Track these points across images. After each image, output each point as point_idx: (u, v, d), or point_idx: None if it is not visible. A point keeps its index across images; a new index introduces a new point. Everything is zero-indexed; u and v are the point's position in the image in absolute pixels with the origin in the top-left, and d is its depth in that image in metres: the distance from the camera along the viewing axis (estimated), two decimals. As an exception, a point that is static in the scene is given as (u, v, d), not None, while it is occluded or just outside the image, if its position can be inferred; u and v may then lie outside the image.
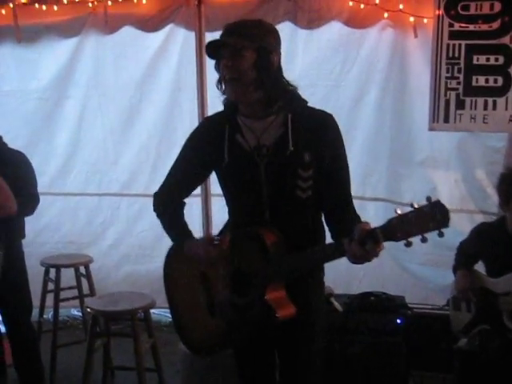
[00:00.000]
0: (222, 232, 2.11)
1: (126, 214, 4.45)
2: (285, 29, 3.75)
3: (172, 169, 2.12)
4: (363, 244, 1.63)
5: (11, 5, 4.01)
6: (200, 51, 3.66)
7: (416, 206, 1.57)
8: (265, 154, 1.89)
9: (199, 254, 1.96)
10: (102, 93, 4.30)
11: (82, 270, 3.87)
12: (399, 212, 1.60)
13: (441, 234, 1.55)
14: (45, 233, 4.43)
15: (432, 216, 1.53)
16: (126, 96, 4.27)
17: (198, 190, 3.71)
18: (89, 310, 3.11)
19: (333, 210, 1.95)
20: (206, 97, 3.68)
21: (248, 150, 1.91)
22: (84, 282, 3.90)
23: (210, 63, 3.78)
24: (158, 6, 3.88)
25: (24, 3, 4.04)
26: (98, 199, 4.46)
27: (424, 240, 1.56)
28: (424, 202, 1.56)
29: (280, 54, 1.94)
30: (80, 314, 4.20)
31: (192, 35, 3.81)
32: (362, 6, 3.50)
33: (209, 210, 3.74)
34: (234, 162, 1.93)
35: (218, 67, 1.92)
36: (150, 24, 3.92)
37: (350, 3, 3.51)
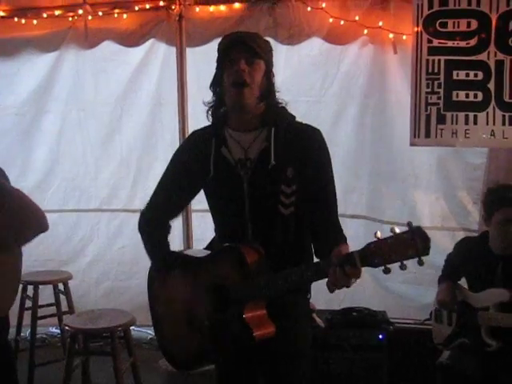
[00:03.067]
0: (209, 246, 2.09)
1: (105, 230, 4.39)
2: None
3: (158, 187, 2.09)
4: (342, 267, 1.59)
5: (-9, 19, 3.99)
6: (181, 66, 3.68)
7: (396, 231, 1.51)
8: (248, 167, 1.87)
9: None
10: (81, 108, 4.26)
11: (61, 286, 3.81)
12: (379, 236, 1.54)
13: (421, 262, 1.51)
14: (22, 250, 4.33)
15: (412, 243, 1.49)
16: (106, 111, 4.24)
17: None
18: (67, 327, 3.05)
19: (316, 228, 1.90)
20: (186, 111, 3.68)
21: (232, 163, 1.89)
22: (63, 299, 3.83)
23: (190, 78, 3.84)
24: (138, 21, 3.89)
25: (2, 16, 4.02)
26: (77, 215, 4.40)
27: (403, 267, 1.51)
28: (404, 228, 1.50)
29: None
30: (58, 331, 4.12)
31: (172, 50, 3.82)
32: (342, 22, 3.55)
33: (189, 224, 3.72)
34: (218, 175, 1.90)
35: (221, 69, 1.86)
36: (130, 39, 3.93)
37: (331, 19, 3.55)
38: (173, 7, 3.79)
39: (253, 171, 1.87)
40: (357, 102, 3.78)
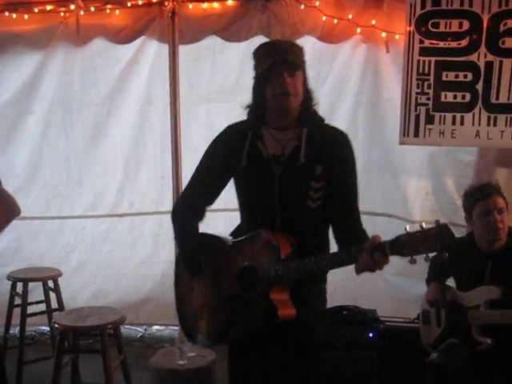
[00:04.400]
0: (233, 234, 2.19)
1: (91, 236, 4.31)
2: (258, 42, 3.77)
3: (193, 177, 2.21)
4: (371, 254, 1.76)
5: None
6: (174, 64, 3.64)
7: (424, 227, 1.70)
8: (281, 162, 2.02)
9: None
10: (67, 108, 4.14)
11: (51, 284, 3.79)
12: (408, 230, 1.73)
13: (427, 258, 1.73)
14: (4, 256, 4.19)
15: (440, 237, 1.68)
16: (92, 112, 4.14)
17: (169, 207, 3.64)
18: (57, 325, 3.04)
19: (338, 221, 2.07)
20: (178, 111, 3.65)
21: (266, 157, 2.04)
22: (53, 297, 3.81)
23: (181, 77, 3.81)
24: (131, 18, 3.85)
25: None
26: (61, 222, 4.30)
27: (427, 259, 1.73)
28: (431, 225, 1.70)
29: None
30: (48, 329, 4.10)
31: (164, 48, 3.79)
32: (336, 21, 3.55)
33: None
34: (250, 166, 2.05)
35: (267, 76, 1.98)
36: (121, 36, 3.89)
37: (324, 18, 3.55)
38: (166, 4, 3.75)
39: (284, 166, 2.02)
40: (349, 100, 3.80)
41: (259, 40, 3.75)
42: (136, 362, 3.56)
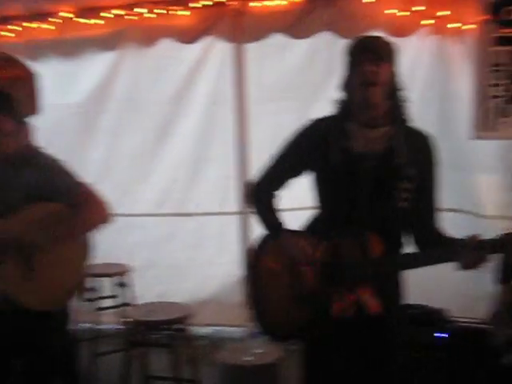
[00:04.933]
0: (309, 228, 2.19)
1: (157, 234, 4.38)
2: (324, 38, 3.75)
3: (273, 162, 2.21)
4: (474, 252, 1.82)
5: (55, 20, 4.12)
6: (240, 63, 3.64)
7: None
8: (370, 161, 2.00)
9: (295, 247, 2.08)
10: (138, 107, 4.26)
11: (120, 279, 3.88)
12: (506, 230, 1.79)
13: None
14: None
15: None
16: (161, 110, 4.22)
17: (234, 208, 3.64)
18: (127, 319, 3.11)
19: (423, 224, 2.08)
20: (246, 108, 3.64)
21: (354, 155, 2.01)
22: (123, 291, 3.90)
23: (248, 74, 3.82)
24: (196, 18, 3.92)
25: (66, 17, 4.13)
26: (129, 219, 4.32)
27: None
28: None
29: None
30: (118, 323, 4.21)
31: (230, 47, 3.82)
32: (404, 13, 3.47)
33: (247, 226, 3.66)
34: (338, 164, 2.02)
35: (352, 68, 1.99)
36: (188, 36, 3.96)
37: (391, 11, 3.49)
38: (231, 3, 3.80)
39: (376, 166, 2.00)
40: (418, 94, 3.68)
41: (325, 36, 3.74)
42: (202, 357, 3.59)
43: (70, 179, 2.41)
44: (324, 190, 2.13)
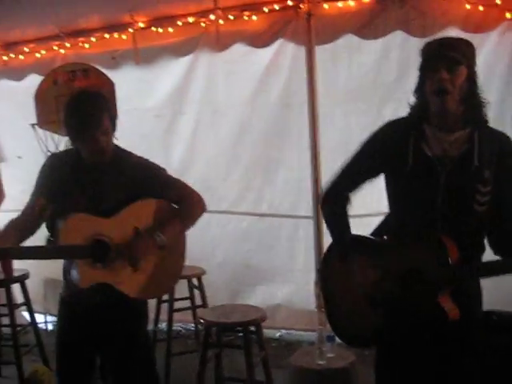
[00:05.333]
0: (380, 232, 2.19)
1: (234, 232, 4.44)
2: (396, 38, 3.68)
3: (346, 167, 2.20)
4: None
5: (131, 30, 4.28)
6: (310, 65, 3.64)
7: None
8: (448, 165, 1.97)
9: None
10: (214, 109, 4.37)
11: (195, 281, 3.96)
12: None
13: None
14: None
15: None
16: (236, 112, 4.31)
17: (306, 211, 3.64)
18: (202, 320, 3.17)
19: (504, 229, 2.00)
20: (317, 111, 3.64)
21: (432, 159, 1.99)
22: (196, 293, 3.99)
23: (319, 78, 3.82)
24: (267, 22, 3.96)
25: (142, 28, 4.29)
26: (209, 216, 4.50)
27: None
28: None
29: None
30: (192, 324, 4.30)
31: (301, 49, 3.82)
32: (481, 8, 3.33)
33: (321, 227, 3.64)
34: (416, 168, 2.01)
35: (426, 74, 1.97)
36: (259, 40, 4.01)
37: (468, 6, 3.36)
38: (301, 6, 3.80)
39: (452, 169, 1.97)
40: (496, 91, 3.54)
41: (397, 36, 3.66)
42: (275, 360, 3.60)
43: (167, 175, 2.50)
44: (398, 193, 2.11)
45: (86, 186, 2.33)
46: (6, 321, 3.96)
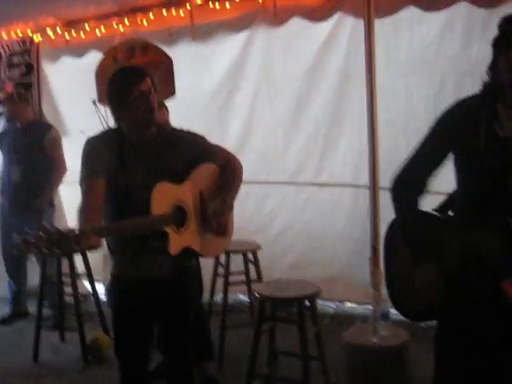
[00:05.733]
0: (444, 206, 2.17)
1: (293, 203, 4.48)
2: (460, 9, 3.55)
3: (418, 150, 2.14)
4: None
5: (188, 6, 4.29)
6: (369, 38, 3.55)
7: None
8: None
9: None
10: (271, 84, 4.38)
11: (250, 256, 4.00)
12: None
13: None
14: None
15: None
16: (294, 86, 4.30)
17: (366, 181, 3.64)
18: (257, 294, 3.20)
19: None
20: (374, 85, 3.57)
21: (501, 139, 1.94)
22: (251, 268, 4.02)
23: (378, 51, 3.75)
24: (326, -5, 3.89)
25: (199, 4, 4.29)
26: (267, 187, 4.55)
27: None
28: None
29: None
30: (246, 298, 4.36)
31: (360, 22, 3.74)
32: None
33: (377, 203, 3.60)
34: (488, 148, 1.95)
35: (500, 49, 1.91)
36: (317, 14, 3.96)
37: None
38: (362, -22, 3.71)
39: None
40: None
41: (461, 7, 3.53)
42: (328, 335, 3.60)
43: (209, 142, 2.56)
44: (467, 173, 2.05)
45: (140, 160, 2.35)
46: (68, 290, 4.11)
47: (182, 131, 2.52)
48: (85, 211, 2.22)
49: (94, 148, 2.35)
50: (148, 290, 2.39)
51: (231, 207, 2.54)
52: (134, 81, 2.29)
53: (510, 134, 1.92)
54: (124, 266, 2.42)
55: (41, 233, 1.87)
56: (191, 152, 2.44)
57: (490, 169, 1.94)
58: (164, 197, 2.29)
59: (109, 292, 2.72)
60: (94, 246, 2.13)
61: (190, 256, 2.45)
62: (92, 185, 2.28)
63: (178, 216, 2.34)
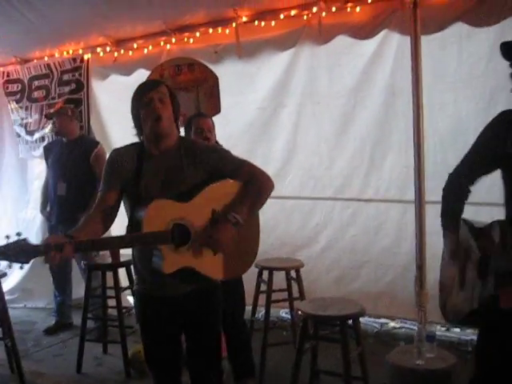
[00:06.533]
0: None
1: (339, 218, 4.47)
2: (510, 24, 3.48)
3: (466, 158, 2.24)
4: None
5: (234, 24, 4.35)
6: (416, 55, 3.52)
7: None
8: None
9: None
10: (315, 101, 4.40)
11: (293, 273, 3.97)
12: None
13: None
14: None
15: None
16: (339, 103, 4.32)
17: (413, 196, 3.59)
18: (300, 312, 3.17)
19: None
20: (421, 100, 3.54)
21: None
22: (294, 285, 4.00)
23: (425, 67, 3.72)
24: (371, 13, 3.89)
25: (245, 22, 4.35)
26: (313, 203, 4.55)
27: None
28: None
29: None
30: (288, 316, 4.32)
31: (406, 39, 3.71)
32: None
33: (422, 217, 3.55)
34: None
35: None
36: (363, 31, 3.94)
37: None
38: (407, -5, 3.69)
39: None
40: None
41: (510, 23, 3.45)
42: (371, 356, 3.54)
43: (235, 156, 2.49)
44: (508, 184, 2.07)
45: (157, 172, 2.35)
46: (112, 303, 4.17)
47: (204, 144, 2.51)
48: (81, 222, 2.35)
49: (113, 160, 2.43)
50: (169, 306, 2.40)
51: (236, 223, 2.31)
52: (147, 89, 2.35)
53: None
54: (144, 283, 2.44)
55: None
56: (213, 166, 2.39)
57: None
58: (160, 214, 2.24)
59: (134, 306, 2.72)
60: (65, 260, 2.18)
61: (197, 276, 2.33)
62: (102, 197, 2.40)
63: (178, 234, 2.26)
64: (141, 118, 2.37)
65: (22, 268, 2.16)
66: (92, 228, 2.32)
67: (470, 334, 3.98)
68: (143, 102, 2.33)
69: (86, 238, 2.21)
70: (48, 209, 4.87)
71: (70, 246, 2.11)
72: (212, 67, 4.36)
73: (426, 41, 3.65)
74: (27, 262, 2.13)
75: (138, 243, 2.29)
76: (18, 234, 2.13)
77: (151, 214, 2.22)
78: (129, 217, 2.38)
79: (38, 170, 5.55)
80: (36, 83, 5.57)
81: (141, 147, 2.42)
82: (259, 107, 4.57)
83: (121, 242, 2.29)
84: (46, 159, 4.91)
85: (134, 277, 2.54)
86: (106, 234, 2.43)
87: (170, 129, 2.37)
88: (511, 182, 2.07)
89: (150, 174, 2.36)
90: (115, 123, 5.26)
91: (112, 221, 2.41)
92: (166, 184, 2.34)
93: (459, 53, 3.80)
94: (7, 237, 2.11)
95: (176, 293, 2.38)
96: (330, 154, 4.45)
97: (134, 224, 2.30)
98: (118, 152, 2.47)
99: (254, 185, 2.41)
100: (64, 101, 5.24)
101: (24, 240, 2.12)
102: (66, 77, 5.38)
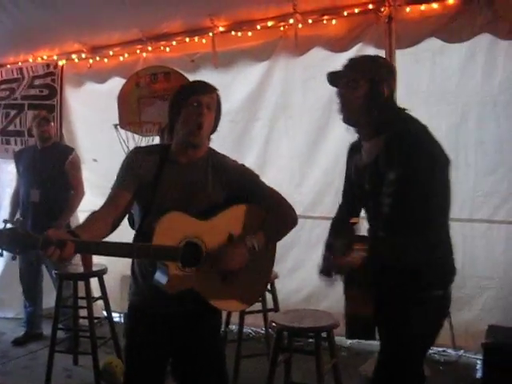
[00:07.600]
0: None
1: (307, 237, 4.39)
2: (481, 41, 3.55)
3: None
4: None
5: (211, 34, 4.35)
6: (390, 69, 3.58)
7: None
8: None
9: None
10: (288, 115, 4.37)
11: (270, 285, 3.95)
12: None
13: None
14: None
15: None
16: (313, 117, 4.29)
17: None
18: (274, 324, 3.16)
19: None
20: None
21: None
22: (268, 297, 3.97)
23: (399, 81, 3.75)
24: (347, 26, 3.93)
25: (222, 31, 4.35)
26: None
27: None
28: None
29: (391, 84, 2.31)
30: (263, 327, 4.30)
31: (381, 53, 3.74)
32: None
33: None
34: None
35: None
36: (338, 44, 3.97)
37: None
38: (382, 9, 3.74)
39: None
40: None
41: (483, 38, 3.53)
42: (345, 368, 3.54)
43: (262, 182, 2.36)
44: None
45: (178, 183, 2.18)
46: (83, 313, 4.10)
47: (233, 162, 2.34)
48: (87, 219, 2.13)
49: (133, 158, 2.23)
50: (163, 324, 2.22)
51: (251, 249, 2.16)
52: (197, 91, 2.17)
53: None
54: (140, 295, 2.27)
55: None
56: (240, 188, 2.26)
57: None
58: (174, 227, 2.08)
59: (124, 319, 2.51)
60: (64, 259, 1.93)
61: (200, 297, 2.16)
62: (114, 195, 2.20)
63: (189, 253, 2.09)
64: (178, 119, 2.18)
65: (1, 255, 1.92)
66: (98, 226, 2.10)
67: (442, 346, 4.01)
68: (189, 103, 2.15)
69: (90, 237, 2.01)
70: (18, 216, 4.77)
71: (72, 244, 1.90)
72: (188, 76, 4.33)
73: (400, 55, 3.71)
74: (21, 253, 1.94)
75: (145, 255, 2.08)
76: (17, 221, 1.97)
77: (165, 225, 2.05)
78: (137, 226, 2.21)
79: (9, 178, 5.44)
80: (2, 86, 5.51)
81: (165, 151, 2.24)
82: (232, 120, 4.48)
83: (130, 250, 2.06)
84: (17, 165, 4.82)
85: (130, 287, 2.33)
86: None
87: (205, 139, 2.23)
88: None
89: (170, 183, 2.18)
90: (86, 132, 5.20)
91: (119, 222, 2.20)
92: (184, 197, 2.16)
93: (432, 67, 3.84)
94: (5, 221, 1.92)
95: (174, 310, 2.20)
96: (302, 169, 4.39)
97: (141, 234, 2.15)
98: (139, 150, 2.31)
99: (280, 215, 2.30)
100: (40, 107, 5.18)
101: (22, 229, 1.92)
102: (37, 81, 5.32)
